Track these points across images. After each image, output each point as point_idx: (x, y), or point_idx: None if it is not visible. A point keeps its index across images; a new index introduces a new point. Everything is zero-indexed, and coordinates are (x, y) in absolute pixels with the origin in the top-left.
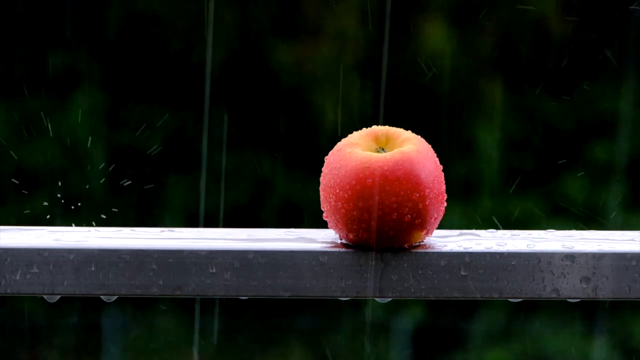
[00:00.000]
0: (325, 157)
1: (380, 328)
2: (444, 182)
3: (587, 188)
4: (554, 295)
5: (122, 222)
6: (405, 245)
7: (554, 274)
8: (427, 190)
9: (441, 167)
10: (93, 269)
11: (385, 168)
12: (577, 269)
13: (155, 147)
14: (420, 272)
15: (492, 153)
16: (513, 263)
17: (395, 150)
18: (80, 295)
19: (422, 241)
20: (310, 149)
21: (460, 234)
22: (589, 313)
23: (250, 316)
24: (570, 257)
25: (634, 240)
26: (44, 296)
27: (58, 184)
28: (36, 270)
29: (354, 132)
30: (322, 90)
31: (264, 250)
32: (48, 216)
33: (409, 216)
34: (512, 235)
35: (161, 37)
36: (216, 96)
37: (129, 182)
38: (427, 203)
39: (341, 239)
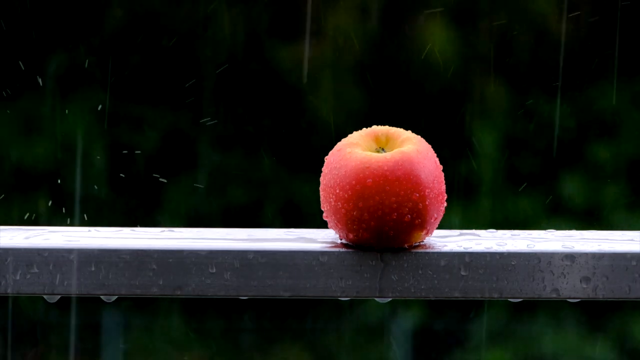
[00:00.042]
0: (325, 157)
1: (380, 328)
2: (444, 182)
3: (587, 188)
4: (554, 295)
5: (122, 222)
6: (405, 245)
7: (554, 274)
8: (427, 190)
9: (441, 167)
10: (93, 269)
11: (385, 168)
12: (577, 269)
13: (155, 147)
14: (420, 272)
15: (492, 153)
16: (513, 263)
17: (395, 150)
18: (80, 295)
19: (422, 241)
20: (310, 149)
21: (460, 234)
22: (588, 313)
23: (251, 316)
24: (570, 257)
25: (634, 240)
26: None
27: (58, 184)
28: (36, 270)
29: (354, 132)
30: (322, 90)
31: (264, 250)
32: (48, 216)
33: (409, 216)
34: (512, 235)
35: (161, 36)
36: (216, 96)
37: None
38: (427, 203)
39: (341, 239)
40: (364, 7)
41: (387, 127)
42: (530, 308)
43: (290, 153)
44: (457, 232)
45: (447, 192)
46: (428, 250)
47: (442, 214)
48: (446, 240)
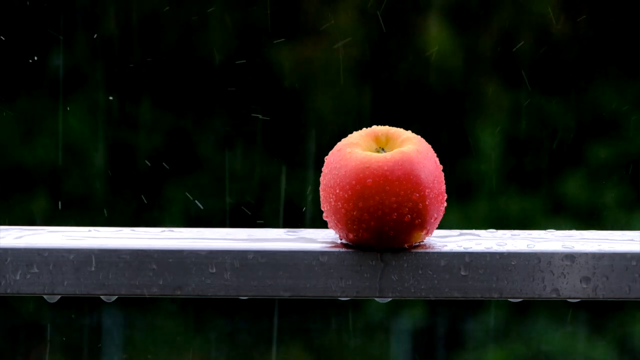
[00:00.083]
0: (325, 157)
1: (380, 328)
2: (444, 182)
3: (587, 188)
4: (554, 295)
5: (122, 222)
6: (405, 245)
7: (554, 274)
8: (427, 190)
9: (441, 167)
10: (93, 269)
11: (385, 168)
12: (577, 269)
13: (155, 147)
14: (420, 272)
15: (492, 153)
16: (513, 263)
17: (395, 150)
18: (80, 295)
19: (422, 241)
20: (310, 149)
21: (460, 234)
22: (589, 313)
23: (250, 316)
24: (570, 257)
25: (634, 240)
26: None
27: (58, 184)
28: (36, 270)
29: (354, 132)
30: (322, 90)
31: (264, 250)
32: (48, 216)
33: (409, 216)
34: (512, 235)
35: (161, 36)
36: (216, 96)
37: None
38: (427, 203)
39: (341, 239)
40: (364, 7)
41: (387, 127)
42: (530, 308)
43: (290, 153)
44: (457, 232)
45: (447, 192)
46: (428, 250)
47: (442, 214)
48: (446, 240)
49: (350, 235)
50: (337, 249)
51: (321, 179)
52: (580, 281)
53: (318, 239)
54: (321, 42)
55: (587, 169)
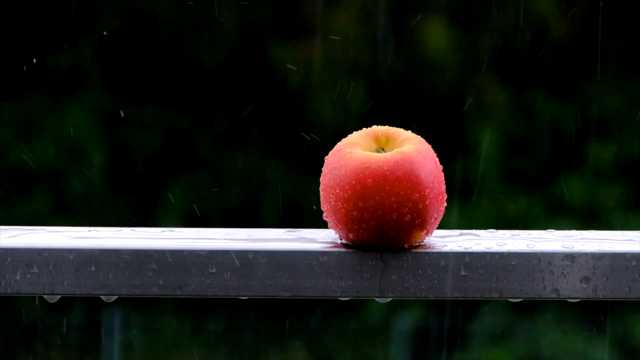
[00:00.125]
0: (325, 157)
1: (380, 328)
2: (444, 182)
3: (587, 188)
4: (554, 295)
5: (122, 222)
6: (405, 245)
7: (554, 274)
8: (427, 190)
9: (441, 167)
10: (93, 269)
11: (385, 168)
12: (577, 269)
13: (155, 147)
14: (420, 272)
15: (492, 153)
16: (513, 263)
17: (395, 150)
18: (80, 295)
19: (422, 241)
20: (310, 149)
21: (460, 234)
22: (589, 313)
23: (251, 316)
24: (570, 257)
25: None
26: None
27: (58, 184)
28: (36, 270)
29: (354, 132)
30: (322, 90)
31: (264, 250)
32: (48, 216)
33: (409, 216)
34: (512, 235)
35: (161, 36)
36: (216, 96)
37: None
38: (427, 203)
39: (341, 239)
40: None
41: (387, 127)
42: (530, 308)
43: (290, 153)
44: (457, 232)
45: (447, 192)
46: (428, 250)
47: (442, 214)
48: (446, 240)
49: (350, 235)
50: (337, 249)
51: (321, 179)
52: (580, 281)
53: (318, 239)
54: (321, 42)
55: (587, 169)
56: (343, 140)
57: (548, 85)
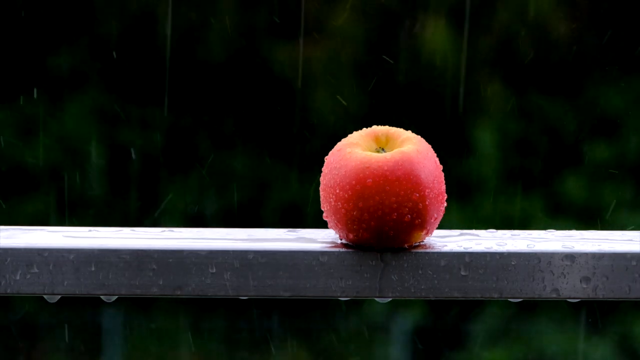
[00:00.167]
0: (325, 157)
1: (380, 328)
2: (444, 182)
3: (587, 188)
4: (554, 295)
5: (122, 222)
6: (405, 245)
7: (554, 274)
8: (427, 190)
9: (441, 167)
10: (93, 269)
11: (385, 168)
12: (577, 269)
13: (155, 147)
14: (420, 272)
15: (492, 153)
16: (513, 263)
17: (395, 150)
18: (80, 295)
19: (422, 241)
20: (310, 149)
21: (460, 234)
22: (589, 313)
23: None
24: (570, 257)
25: (633, 240)
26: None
27: (58, 184)
28: (36, 270)
29: (354, 132)
30: (322, 90)
31: (264, 250)
32: (48, 216)
33: (409, 216)
34: (512, 235)
35: (161, 37)
36: (216, 96)
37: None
38: (427, 203)
39: (341, 239)
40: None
41: (387, 127)
42: (531, 308)
43: (290, 153)
44: (457, 232)
45: (447, 192)
46: (428, 250)
47: (442, 214)
48: (446, 240)
49: (350, 235)
50: (337, 249)
51: (321, 179)
52: (580, 281)
53: (318, 239)
54: (321, 42)
55: (587, 169)
56: (343, 140)
57: (548, 85)
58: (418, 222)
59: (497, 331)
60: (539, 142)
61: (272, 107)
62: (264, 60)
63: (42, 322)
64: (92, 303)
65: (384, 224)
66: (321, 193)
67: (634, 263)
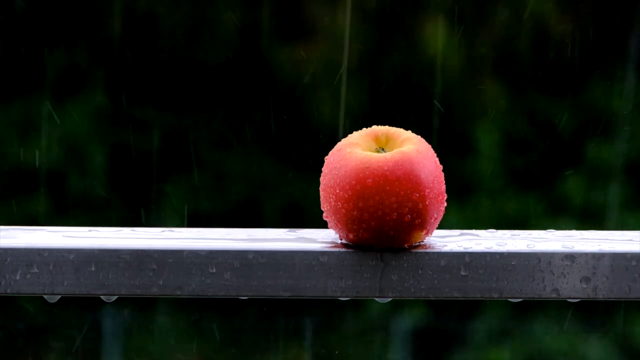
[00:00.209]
0: (325, 157)
1: (380, 328)
2: (444, 182)
3: (587, 188)
4: (554, 295)
5: (122, 222)
6: (405, 245)
7: (554, 274)
8: (427, 190)
9: (441, 167)
10: (93, 269)
11: (385, 168)
12: (577, 269)
13: (155, 147)
14: (420, 272)
15: (492, 153)
16: (513, 263)
17: (395, 150)
18: (80, 295)
19: (422, 241)
20: (310, 149)
21: (460, 234)
22: (589, 313)
23: (251, 316)
24: (570, 257)
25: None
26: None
27: (58, 184)
28: (36, 270)
29: (354, 132)
30: (322, 90)
31: (264, 250)
32: (48, 216)
33: (409, 216)
34: (512, 235)
35: (161, 37)
36: (216, 96)
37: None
38: (427, 203)
39: (341, 239)
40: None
41: (387, 127)
42: (531, 308)
43: (291, 153)
44: (457, 232)
45: (447, 192)
46: (428, 250)
47: (442, 214)
48: (446, 240)
49: (350, 235)
50: (337, 249)
51: (321, 179)
52: (580, 281)
53: (318, 239)
54: (321, 42)
55: (587, 169)
56: (343, 140)
57: (548, 85)
58: (418, 222)
59: (497, 331)
60: (538, 142)
61: (272, 107)
62: (265, 59)
63: (42, 322)
64: (92, 303)
65: (384, 224)
66: (321, 193)
67: (634, 263)
